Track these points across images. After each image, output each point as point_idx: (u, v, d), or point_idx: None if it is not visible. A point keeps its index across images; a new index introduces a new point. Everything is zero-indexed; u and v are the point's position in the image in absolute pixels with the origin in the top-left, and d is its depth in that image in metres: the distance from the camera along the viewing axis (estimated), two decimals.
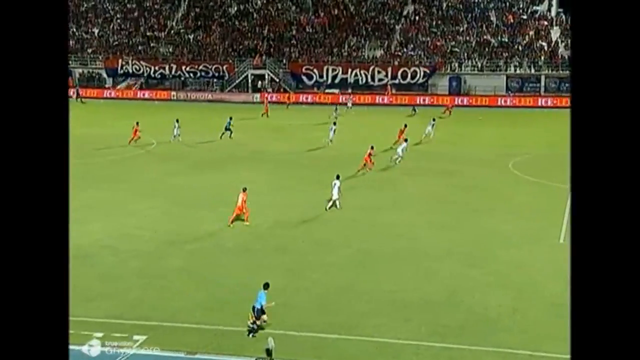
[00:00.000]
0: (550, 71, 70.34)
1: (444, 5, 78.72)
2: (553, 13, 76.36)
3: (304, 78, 73.10)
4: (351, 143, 43.98)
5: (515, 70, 71.03)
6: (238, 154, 42.11)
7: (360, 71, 72.63)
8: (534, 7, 76.55)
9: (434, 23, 77.12)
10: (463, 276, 22.07)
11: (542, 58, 71.07)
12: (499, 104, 65.58)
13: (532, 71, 70.75)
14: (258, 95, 69.72)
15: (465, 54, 73.12)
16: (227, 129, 46.36)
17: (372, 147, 36.63)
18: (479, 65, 72.01)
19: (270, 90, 70.86)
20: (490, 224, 27.71)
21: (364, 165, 35.94)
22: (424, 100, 66.13)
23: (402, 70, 71.70)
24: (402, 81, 71.07)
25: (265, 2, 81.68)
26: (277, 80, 72.93)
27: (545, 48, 72.06)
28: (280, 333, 17.61)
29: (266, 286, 18.37)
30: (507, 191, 33.18)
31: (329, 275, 22.28)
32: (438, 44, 74.44)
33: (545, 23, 74.90)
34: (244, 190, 27.79)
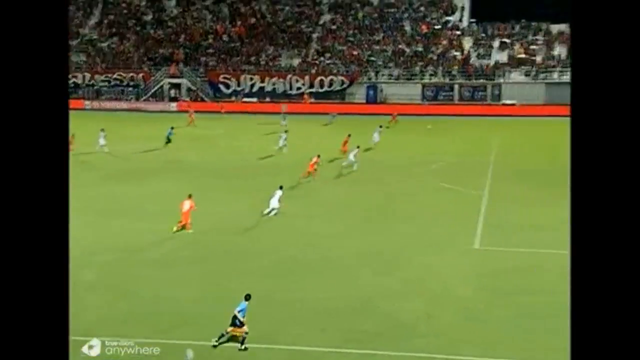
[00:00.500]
0: (463, 80, 72.31)
1: (360, 14, 79.92)
2: (465, 23, 78.60)
3: (222, 87, 72.84)
4: (293, 152, 44.06)
5: (430, 79, 72.71)
6: (166, 165, 41.58)
7: (278, 80, 72.90)
8: (447, 18, 78.60)
9: (351, 32, 78.18)
10: (379, 283, 22.47)
11: (456, 67, 73.01)
12: (414, 112, 66.91)
13: (447, 80, 72.58)
14: (175, 104, 69.04)
15: (382, 63, 74.41)
16: (168, 138, 46.25)
17: (318, 156, 37.15)
18: (395, 74, 73.39)
19: (188, 99, 70.33)
20: (407, 231, 28.29)
21: (309, 173, 36.27)
22: (342, 108, 66.86)
23: (319, 78, 72.35)
24: (319, 90, 71.71)
25: (180, 10, 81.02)
26: (195, 89, 72.42)
27: (459, 57, 74.06)
28: (199, 344, 17.53)
29: (247, 297, 18.19)
30: (424, 198, 33.93)
31: (248, 284, 22.29)
32: (355, 52, 75.48)
33: (458, 33, 77.00)
34: (190, 196, 27.95)
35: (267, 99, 71.13)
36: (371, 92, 71.95)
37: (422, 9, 79.75)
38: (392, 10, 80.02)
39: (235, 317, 17.86)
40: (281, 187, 30.52)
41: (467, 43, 75.88)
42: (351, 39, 77.46)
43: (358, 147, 40.57)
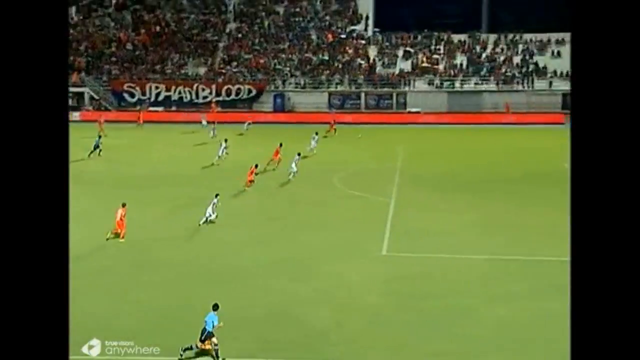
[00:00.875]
0: (369, 88, 73.66)
1: (266, 23, 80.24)
2: (370, 33, 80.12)
3: (126, 96, 71.59)
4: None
5: (336, 87, 73.68)
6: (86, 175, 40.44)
7: (184, 88, 72.25)
8: (352, 27, 79.91)
9: (257, 41, 78.37)
10: (290, 291, 22.70)
11: (362, 76, 74.30)
12: (321, 120, 67.60)
13: (353, 88, 73.75)
14: (77, 113, 67.35)
15: (288, 72, 74.92)
16: (95, 147, 45.67)
17: (255, 166, 37.70)
18: (302, 83, 74.02)
19: (91, 108, 68.81)
20: (316, 239, 28.64)
21: (250, 182, 36.83)
22: (251, 117, 66.87)
23: (226, 87, 72.15)
24: (226, 98, 71.50)
25: (81, 17, 79.19)
26: (97, 98, 70.88)
27: (364, 66, 75.40)
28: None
29: (215, 307, 18.05)
30: (332, 206, 34.41)
31: (156, 295, 22.08)
32: (262, 61, 75.70)
33: (363, 42, 78.39)
34: (123, 205, 28.10)
35: (174, 108, 70.38)
36: (279, 101, 72.30)
37: (327, 18, 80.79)
38: (298, 19, 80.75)
39: (204, 330, 17.62)
40: (217, 195, 30.83)
41: (372, 52, 77.37)
42: (257, 47, 77.66)
43: (299, 154, 41.08)
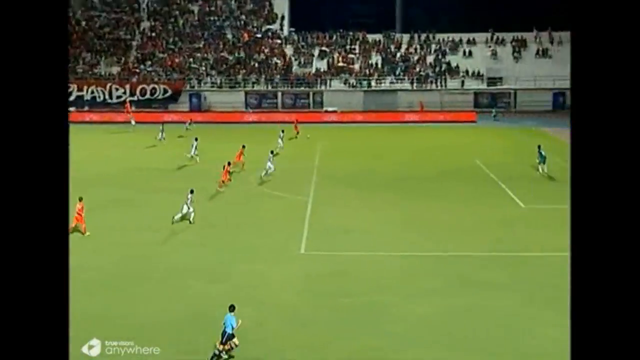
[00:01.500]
0: (286, 87, 73.74)
1: (181, 22, 79.22)
2: (285, 32, 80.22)
3: None
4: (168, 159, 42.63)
5: (253, 87, 73.46)
6: None
7: (97, 88, 70.60)
8: (268, 26, 79.82)
9: (172, 40, 77.28)
10: (208, 293, 22.50)
11: (278, 75, 74.31)
12: (239, 120, 67.32)
13: (269, 88, 73.67)
14: None
15: (204, 71, 74.17)
16: None
17: (228, 164, 37.73)
18: (218, 82, 73.44)
19: None
20: (235, 239, 28.49)
21: (223, 182, 36.70)
22: (168, 117, 65.87)
23: (141, 87, 70.88)
24: (141, 98, 70.24)
25: None
26: None
27: (280, 65, 75.43)
28: None
29: (232, 308, 18.02)
30: (250, 206, 34.29)
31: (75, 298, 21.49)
32: (177, 60, 74.70)
33: (279, 41, 78.41)
34: (80, 199, 28.16)
35: (86, 108, 68.64)
36: (195, 100, 71.54)
37: (243, 17, 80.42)
38: (213, 18, 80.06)
39: (224, 332, 17.60)
40: (192, 191, 30.99)
41: (289, 51, 77.48)
42: (172, 46, 76.60)
43: (272, 152, 41.36)
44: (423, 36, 79.64)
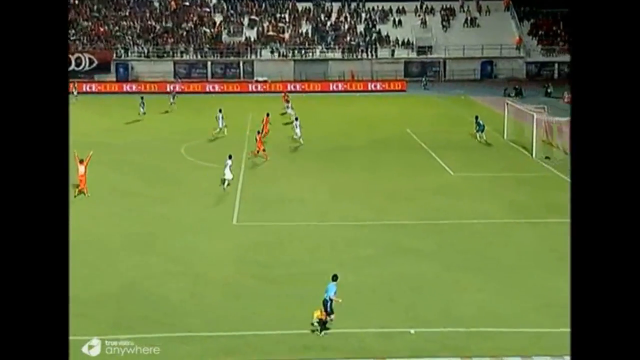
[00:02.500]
0: (215, 57, 72.90)
1: None
2: (214, 0, 79.04)
3: None
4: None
5: (182, 56, 72.37)
6: None
7: None
8: None
9: (95, 7, 75.28)
10: (141, 265, 22.40)
11: (207, 44, 73.35)
12: (168, 90, 66.33)
13: (199, 57, 72.70)
14: None
15: (131, 40, 72.62)
16: None
17: (258, 133, 38.07)
18: (146, 52, 72.05)
19: None
20: (167, 211, 28.31)
21: (258, 151, 36.90)
22: (89, 87, 64.36)
23: None
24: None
25: None
26: None
27: (209, 34, 74.44)
28: None
29: (335, 278, 17.96)
30: (181, 177, 34.03)
31: None
32: (102, 29, 72.88)
33: (207, 9, 77.28)
34: (81, 161, 29.12)
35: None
36: (122, 70, 70.09)
37: None
38: None
39: (329, 301, 17.54)
40: (230, 157, 31.74)
41: (218, 19, 76.49)
42: (96, 14, 74.63)
43: (297, 118, 42.39)
44: (353, 5, 79.77)
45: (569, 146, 38.12)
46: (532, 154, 38.24)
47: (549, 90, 63.82)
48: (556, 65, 76.95)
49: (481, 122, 42.46)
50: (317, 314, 17.96)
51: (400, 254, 23.61)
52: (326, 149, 40.66)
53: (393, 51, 75.48)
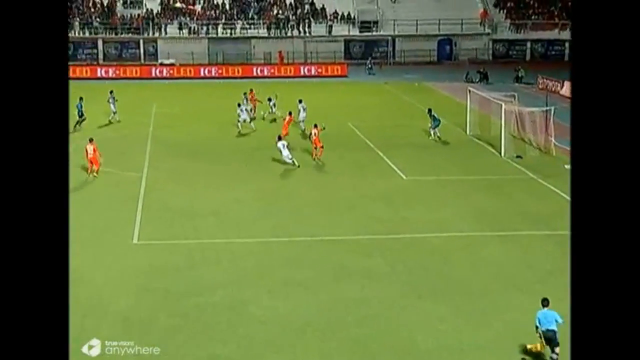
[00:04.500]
0: (108, 34, 71.91)
1: None
2: None
3: None
4: None
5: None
6: None
7: None
8: None
9: None
10: None
11: (97, 18, 72.29)
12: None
13: (87, 34, 71.61)
14: None
15: None
16: (81, 112, 44.31)
17: (315, 126, 38.54)
18: None
19: None
20: None
21: (315, 148, 38.03)
22: None
23: None
24: None
25: None
26: None
27: (100, 5, 73.42)
28: None
29: (546, 302, 17.74)
30: (73, 184, 33.29)
31: None
32: None
33: None
34: (91, 140, 34.27)
35: None
36: None
37: None
38: None
39: (547, 332, 17.48)
40: (280, 137, 36.87)
41: None
42: None
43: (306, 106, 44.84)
44: None
45: (543, 142, 38.77)
46: (500, 153, 38.84)
47: (519, 75, 65.13)
48: (528, 44, 78.66)
49: (436, 116, 42.67)
50: (534, 346, 18.09)
51: (343, 276, 23.57)
52: (249, 149, 40.49)
53: (330, 27, 75.90)
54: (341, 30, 75.89)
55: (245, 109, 44.77)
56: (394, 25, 75.97)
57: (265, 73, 68.73)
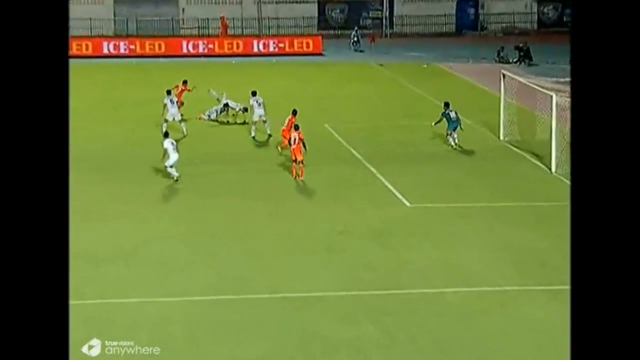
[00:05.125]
0: None
1: None
2: None
3: None
4: None
5: None
6: None
7: None
8: None
9: None
10: None
11: None
12: None
13: None
14: None
15: None
16: None
17: (297, 128, 39.64)
18: None
19: None
20: None
21: (295, 161, 38.57)
22: None
23: None
24: None
25: None
26: None
27: None
28: None
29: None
30: None
31: None
32: None
33: None
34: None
35: None
36: None
37: None
38: None
39: None
40: (167, 134, 39.67)
41: None
42: None
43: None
44: None
45: None
46: (550, 167, 38.93)
47: None
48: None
49: (452, 114, 42.54)
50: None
51: (317, 352, 23.57)
52: (182, 162, 40.32)
53: None
54: None
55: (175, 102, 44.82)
56: None
57: (200, 50, 68.68)
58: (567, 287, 21.58)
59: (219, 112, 47.57)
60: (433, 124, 43.14)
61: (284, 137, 39.51)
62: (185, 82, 48.88)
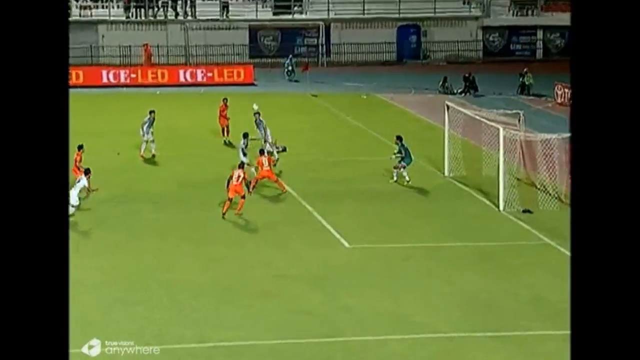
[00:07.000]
0: None
1: None
2: None
3: None
4: None
5: None
6: None
7: None
8: None
9: None
10: None
11: None
12: None
13: None
14: None
15: None
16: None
17: (262, 152, 41.39)
18: None
19: None
20: None
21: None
22: None
23: None
24: None
25: None
26: None
27: None
28: None
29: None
30: None
31: None
32: None
33: None
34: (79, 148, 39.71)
35: None
36: None
37: None
38: None
39: None
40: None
41: None
42: None
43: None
44: None
45: (565, 188, 39.06)
46: (498, 205, 39.14)
47: (526, 82, 66.07)
48: (539, 34, 79.77)
49: (408, 149, 42.41)
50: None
51: None
52: (104, 200, 40.05)
53: (226, 7, 76.14)
54: (245, 11, 76.25)
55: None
56: (328, 3, 76.56)
57: (122, 80, 68.48)
58: (515, 332, 22.01)
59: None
60: (393, 155, 43.10)
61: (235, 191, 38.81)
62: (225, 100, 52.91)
